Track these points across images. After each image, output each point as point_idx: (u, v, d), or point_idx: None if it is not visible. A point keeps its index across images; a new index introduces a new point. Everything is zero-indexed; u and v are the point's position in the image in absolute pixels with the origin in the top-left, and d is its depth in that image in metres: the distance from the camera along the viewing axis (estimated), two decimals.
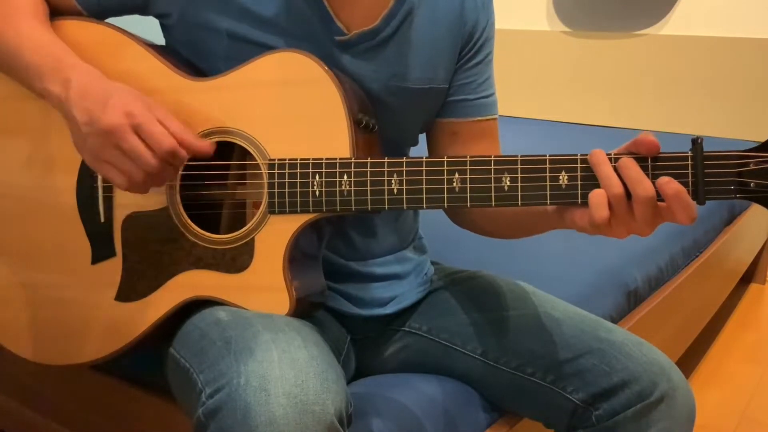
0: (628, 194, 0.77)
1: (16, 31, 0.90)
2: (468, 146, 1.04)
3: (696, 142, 0.76)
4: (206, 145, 0.85)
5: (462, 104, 1.04)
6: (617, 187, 0.77)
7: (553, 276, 1.39)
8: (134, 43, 0.93)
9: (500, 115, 1.10)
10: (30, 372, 0.99)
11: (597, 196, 0.78)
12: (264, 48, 0.91)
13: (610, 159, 0.78)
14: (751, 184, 0.75)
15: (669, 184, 0.76)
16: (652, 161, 0.77)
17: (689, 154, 0.76)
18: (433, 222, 1.20)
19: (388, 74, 0.96)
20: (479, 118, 1.05)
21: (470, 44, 1.02)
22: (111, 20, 0.97)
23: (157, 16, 0.97)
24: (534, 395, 1.00)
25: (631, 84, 3.00)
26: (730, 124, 2.77)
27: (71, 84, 0.84)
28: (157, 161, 0.81)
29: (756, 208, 2.46)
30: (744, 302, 2.65)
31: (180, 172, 0.90)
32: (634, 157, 0.78)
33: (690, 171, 0.76)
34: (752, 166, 0.75)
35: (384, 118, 0.96)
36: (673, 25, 2.91)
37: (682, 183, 0.76)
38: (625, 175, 0.77)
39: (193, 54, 0.95)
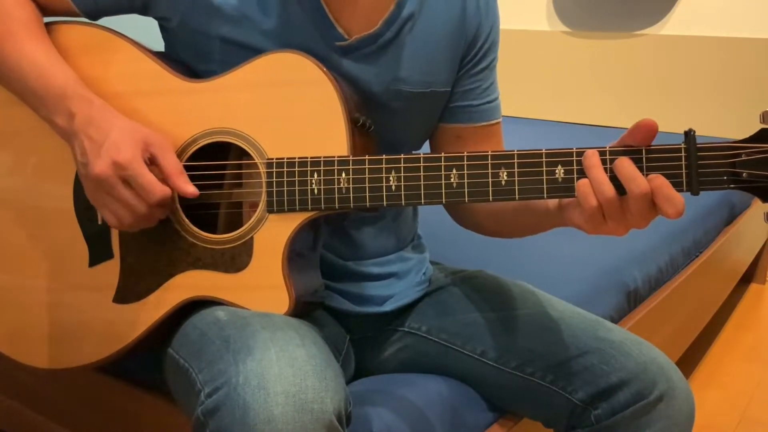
0: (622, 191, 0.77)
1: (19, 52, 0.90)
2: (472, 149, 1.04)
3: (689, 134, 0.77)
4: (191, 192, 0.86)
5: (467, 110, 1.04)
6: (609, 192, 0.77)
7: (553, 276, 1.39)
8: (131, 46, 0.93)
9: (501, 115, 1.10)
10: (30, 372, 0.98)
11: (583, 186, 0.78)
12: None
13: (604, 160, 0.79)
14: (744, 174, 0.76)
15: (655, 179, 0.76)
16: (647, 153, 0.78)
17: (682, 145, 0.78)
18: (433, 222, 1.20)
19: (388, 78, 0.96)
20: (483, 124, 1.05)
21: (475, 49, 1.02)
22: (108, 23, 0.97)
23: (156, 18, 0.97)
24: (533, 395, 1.00)
25: (631, 84, 3.00)
26: (730, 124, 2.76)
27: (75, 118, 0.85)
28: (147, 208, 0.84)
29: (756, 209, 2.46)
30: (744, 302, 2.64)
31: None
32: (628, 150, 0.78)
33: (683, 162, 0.77)
34: (744, 157, 0.76)
35: (385, 122, 0.97)
36: (673, 25, 2.91)
37: (675, 174, 0.77)
38: (619, 173, 0.77)
39: (192, 56, 0.95)
